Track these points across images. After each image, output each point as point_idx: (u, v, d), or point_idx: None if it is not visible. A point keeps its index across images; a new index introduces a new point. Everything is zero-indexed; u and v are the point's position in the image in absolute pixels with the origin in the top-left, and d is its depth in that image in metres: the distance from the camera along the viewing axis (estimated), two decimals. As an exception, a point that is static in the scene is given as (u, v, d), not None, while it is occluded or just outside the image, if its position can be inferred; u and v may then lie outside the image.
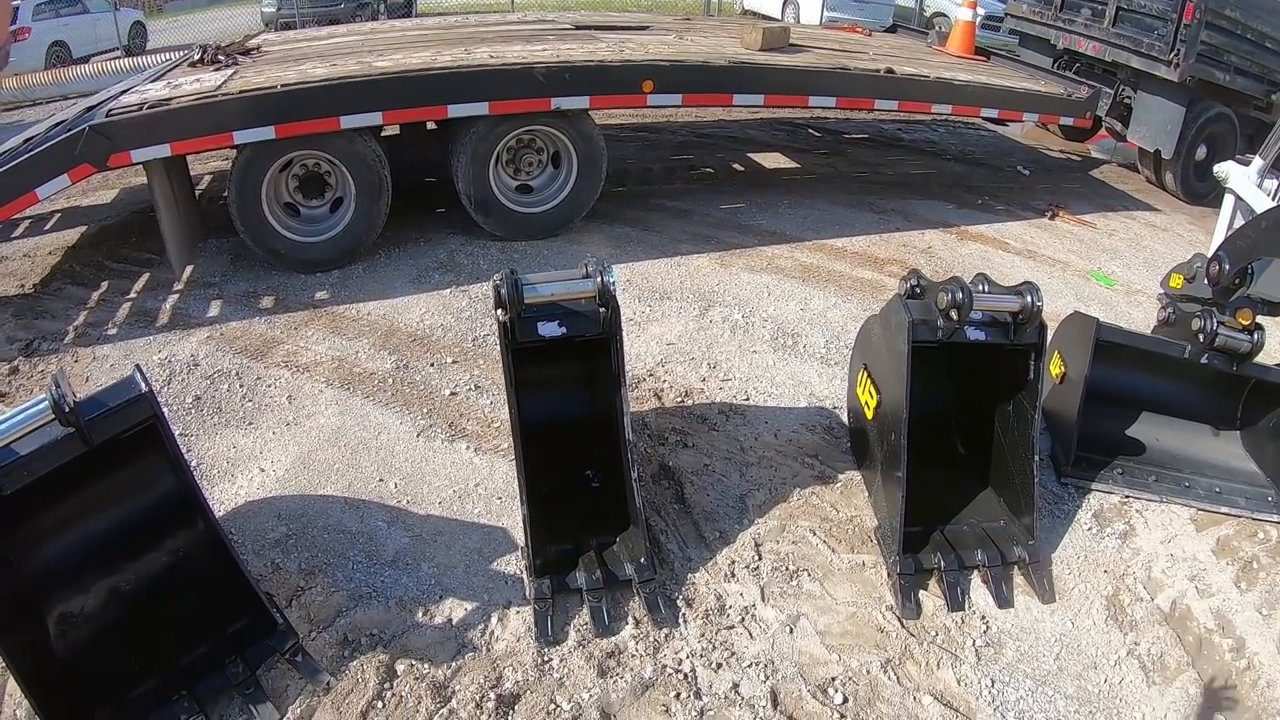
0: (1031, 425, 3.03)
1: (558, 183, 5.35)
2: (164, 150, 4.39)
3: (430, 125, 5.32)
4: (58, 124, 4.98)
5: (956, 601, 2.87)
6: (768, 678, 2.56)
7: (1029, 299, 2.93)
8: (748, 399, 3.91)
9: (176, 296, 4.69)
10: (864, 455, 3.38)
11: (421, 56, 5.19)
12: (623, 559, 2.82)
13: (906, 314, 2.92)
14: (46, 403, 2.21)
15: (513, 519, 3.09)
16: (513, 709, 2.42)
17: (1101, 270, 5.69)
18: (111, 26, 14.49)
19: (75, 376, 3.92)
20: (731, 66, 5.42)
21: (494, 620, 2.70)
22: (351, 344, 4.22)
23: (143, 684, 2.41)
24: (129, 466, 2.59)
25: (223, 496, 3.18)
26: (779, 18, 15.20)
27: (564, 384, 3.19)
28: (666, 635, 2.66)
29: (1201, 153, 7.30)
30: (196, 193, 5.89)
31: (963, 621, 2.81)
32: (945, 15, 13.95)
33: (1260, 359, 3.46)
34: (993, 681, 2.62)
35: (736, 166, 7.35)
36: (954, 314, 2.86)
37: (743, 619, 2.75)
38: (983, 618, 2.84)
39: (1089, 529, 3.27)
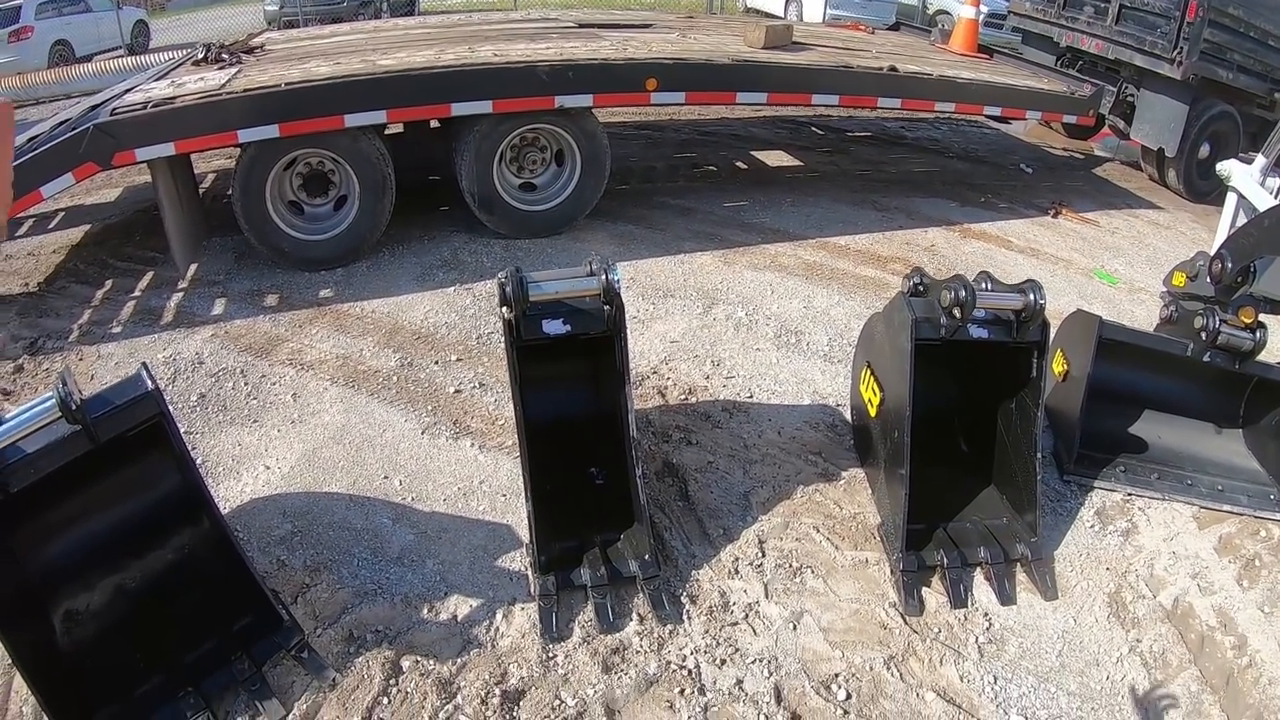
0: (1034, 423, 3.04)
1: (561, 181, 5.36)
2: (168, 149, 4.40)
3: (433, 124, 5.33)
4: (62, 123, 4.99)
5: (959, 598, 2.88)
6: (771, 674, 2.57)
7: (1032, 297, 2.94)
8: (751, 396, 3.91)
9: (181, 295, 4.70)
10: (867, 452, 3.39)
11: (425, 55, 5.20)
12: (627, 556, 2.83)
13: (910, 312, 2.93)
14: (53, 400, 2.21)
15: (517, 516, 3.10)
16: (518, 705, 2.43)
17: (1104, 268, 5.69)
18: (114, 25, 14.51)
19: (80, 375, 3.93)
20: (735, 64, 5.42)
21: (499, 617, 2.71)
22: (356, 342, 4.23)
23: (148, 680, 2.42)
24: (135, 464, 2.59)
25: (228, 494, 3.19)
26: (782, 16, 15.19)
27: (568, 381, 3.19)
28: (671, 631, 2.67)
29: (1204, 151, 7.29)
30: (200, 191, 5.90)
31: (965, 618, 2.82)
32: (948, 13, 13.91)
33: (1263, 357, 3.46)
34: (995, 678, 2.62)
35: (739, 164, 7.35)
36: (957, 312, 2.87)
37: (746, 615, 2.75)
38: (985, 615, 2.84)
39: (1091, 526, 3.27)
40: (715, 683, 2.52)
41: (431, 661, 2.54)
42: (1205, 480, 3.47)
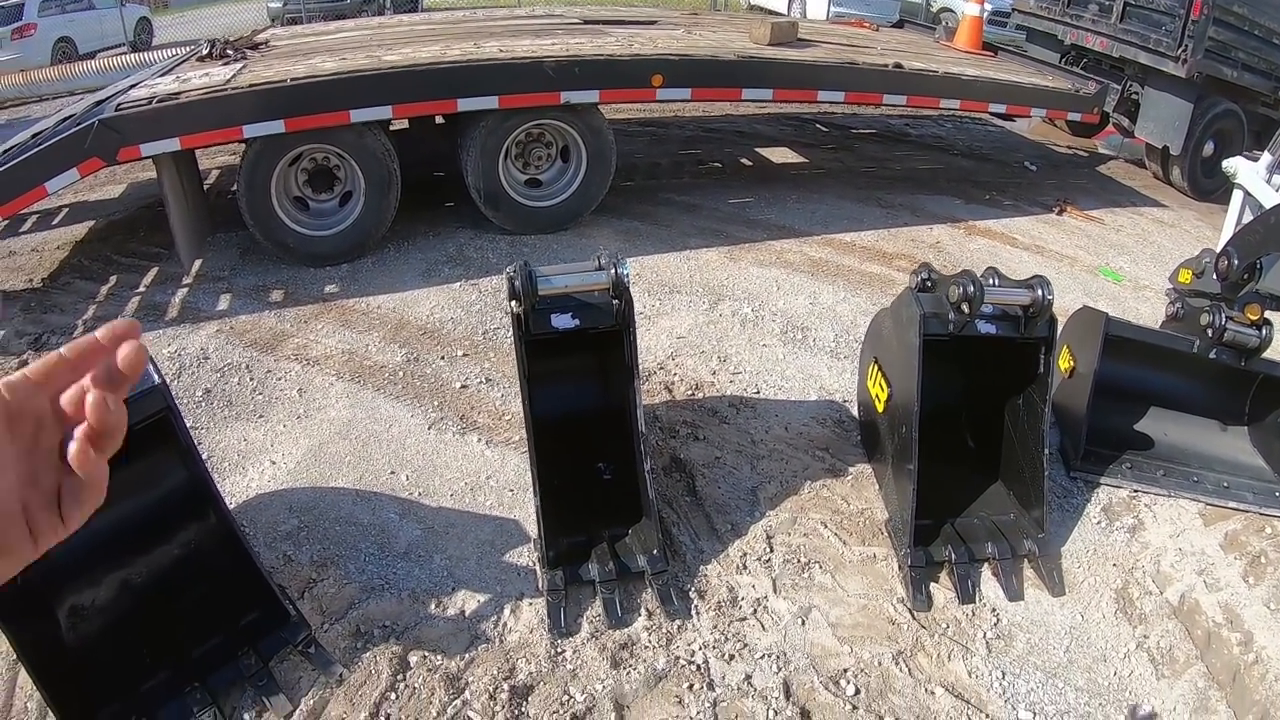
0: (1042, 419, 3.03)
1: (567, 177, 5.35)
2: (173, 144, 4.39)
3: (438, 120, 5.33)
4: (66, 118, 4.99)
5: (967, 594, 2.87)
6: (780, 669, 2.56)
7: (1040, 292, 2.93)
8: (758, 392, 3.91)
9: (185, 290, 4.70)
10: (874, 448, 3.39)
11: (430, 51, 5.19)
12: (635, 551, 2.83)
13: (918, 307, 2.92)
14: (58, 394, 2.21)
15: (524, 511, 3.10)
16: (526, 700, 2.43)
17: (1109, 266, 5.68)
18: (117, 22, 14.50)
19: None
20: (740, 61, 5.41)
21: (507, 612, 2.71)
22: (361, 337, 4.23)
23: (155, 676, 2.40)
24: (141, 459, 2.57)
25: (233, 489, 3.18)
26: (785, 13, 15.15)
27: (576, 376, 3.19)
28: (679, 627, 2.67)
29: (1209, 149, 7.27)
30: (204, 187, 5.90)
31: (973, 614, 2.81)
32: (951, 10, 13.89)
33: (1268, 354, 3.45)
34: (1003, 673, 2.62)
35: (744, 161, 7.34)
36: (965, 307, 2.86)
37: (755, 611, 2.75)
38: (993, 610, 2.84)
39: (1098, 523, 3.27)
40: (724, 678, 2.52)
41: (439, 657, 2.54)
42: (1211, 477, 3.46)
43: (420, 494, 3.21)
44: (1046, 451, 3.04)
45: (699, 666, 2.55)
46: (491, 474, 3.32)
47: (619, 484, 3.01)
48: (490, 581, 2.83)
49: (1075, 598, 2.92)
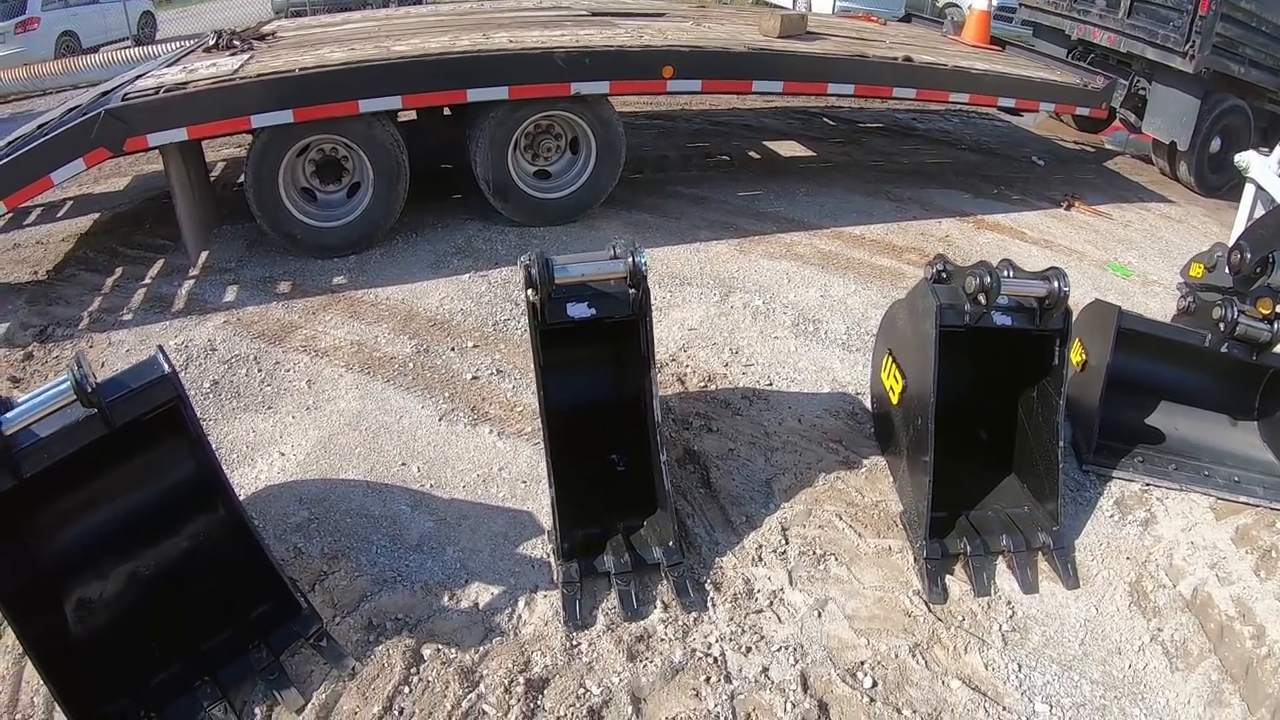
0: (1056, 411, 3.03)
1: (576, 168, 5.33)
2: (181, 134, 4.37)
3: (446, 111, 5.30)
4: (72, 109, 4.96)
5: (982, 586, 2.87)
6: (797, 661, 2.55)
7: (1056, 284, 2.92)
8: (770, 384, 3.90)
9: (192, 282, 4.67)
10: (888, 441, 3.37)
11: (440, 41, 5.17)
12: (650, 543, 2.81)
13: (934, 298, 2.91)
14: (68, 383, 2.16)
15: (537, 503, 3.08)
16: (542, 693, 2.41)
17: (1118, 261, 5.67)
18: (121, 16, 14.50)
19: (91, 362, 3.90)
20: (751, 53, 5.38)
21: (521, 604, 2.69)
22: (371, 329, 4.21)
23: (165, 670, 2.38)
24: (151, 449, 2.55)
25: (242, 480, 3.16)
26: (790, 7, 15.10)
27: (591, 366, 3.17)
28: (695, 619, 2.66)
29: (1216, 145, 7.27)
30: (210, 179, 5.87)
31: (989, 606, 2.81)
32: (957, 5, 13.83)
33: None
34: (1019, 666, 2.62)
35: (752, 154, 7.32)
36: (982, 298, 2.85)
37: (771, 603, 2.74)
38: (1008, 603, 2.83)
39: (1111, 516, 3.26)
40: (741, 671, 2.51)
41: (453, 650, 2.52)
42: (1222, 471, 3.46)
43: (432, 486, 3.19)
44: (1062, 444, 3.03)
45: (716, 659, 2.53)
46: (504, 465, 3.30)
47: (633, 475, 2.99)
48: (504, 574, 2.81)
49: (1089, 590, 2.92)
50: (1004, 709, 2.48)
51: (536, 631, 2.60)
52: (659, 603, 2.71)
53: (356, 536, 2.93)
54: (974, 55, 6.83)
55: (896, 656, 2.59)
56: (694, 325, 4.34)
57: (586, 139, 5.22)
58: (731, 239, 5.34)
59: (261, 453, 3.34)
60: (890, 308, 3.44)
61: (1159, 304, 4.95)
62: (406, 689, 2.40)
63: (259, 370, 3.87)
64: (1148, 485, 3.41)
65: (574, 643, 2.57)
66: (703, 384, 3.86)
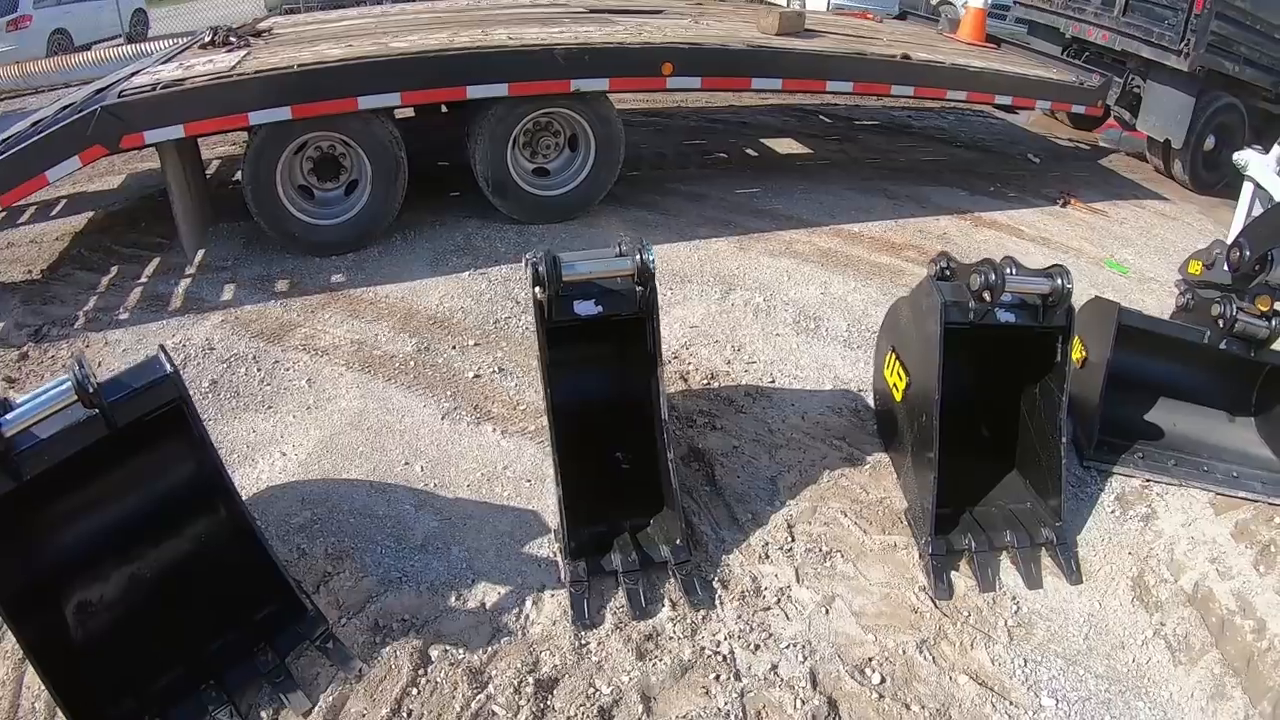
0: (1059, 408, 3.04)
1: (575, 165, 5.32)
2: (177, 131, 4.33)
3: (443, 108, 5.27)
4: (66, 106, 4.91)
5: (987, 582, 2.88)
6: (806, 658, 2.56)
7: (1060, 281, 2.93)
8: (773, 382, 3.90)
9: (189, 281, 4.64)
10: (892, 437, 3.38)
11: (438, 38, 5.14)
12: (658, 541, 2.81)
13: (939, 295, 2.91)
14: (69, 383, 2.13)
15: (542, 502, 3.07)
16: (551, 693, 2.40)
17: (1115, 258, 5.70)
18: (113, 14, 14.41)
19: (90, 362, 3.87)
20: (750, 50, 5.38)
21: (528, 604, 2.68)
22: (370, 327, 4.18)
23: (169, 673, 2.35)
24: (154, 449, 2.52)
25: (244, 481, 3.13)
26: (786, 5, 15.10)
27: (596, 364, 3.16)
28: (703, 617, 2.65)
29: (1210, 143, 7.31)
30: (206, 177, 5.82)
31: (994, 602, 2.82)
32: (951, 3, 13.87)
33: (1277, 346, 3.47)
34: (1025, 661, 2.62)
35: (750, 152, 7.32)
36: (986, 295, 2.86)
37: (779, 600, 2.74)
38: (1013, 598, 2.84)
39: (1112, 511, 3.28)
40: (750, 668, 2.51)
41: (461, 650, 2.50)
42: (1221, 467, 3.48)
43: (436, 485, 3.18)
44: (1064, 440, 3.05)
45: (725, 657, 2.53)
46: (508, 464, 3.29)
47: (639, 474, 2.98)
48: (510, 573, 2.80)
49: (1092, 586, 2.93)
50: (1011, 703, 2.49)
51: (545, 631, 2.59)
52: (667, 601, 2.70)
53: (360, 537, 2.91)
54: (971, 53, 6.85)
55: (904, 652, 2.60)
56: (695, 323, 4.34)
57: (585, 136, 5.21)
58: (731, 236, 5.34)
59: (262, 452, 3.32)
60: (893, 305, 3.44)
61: (1156, 301, 4.97)
62: (415, 690, 2.38)
63: (258, 369, 3.84)
64: (1148, 481, 3.42)
65: (583, 642, 2.56)
66: (705, 381, 3.86)
